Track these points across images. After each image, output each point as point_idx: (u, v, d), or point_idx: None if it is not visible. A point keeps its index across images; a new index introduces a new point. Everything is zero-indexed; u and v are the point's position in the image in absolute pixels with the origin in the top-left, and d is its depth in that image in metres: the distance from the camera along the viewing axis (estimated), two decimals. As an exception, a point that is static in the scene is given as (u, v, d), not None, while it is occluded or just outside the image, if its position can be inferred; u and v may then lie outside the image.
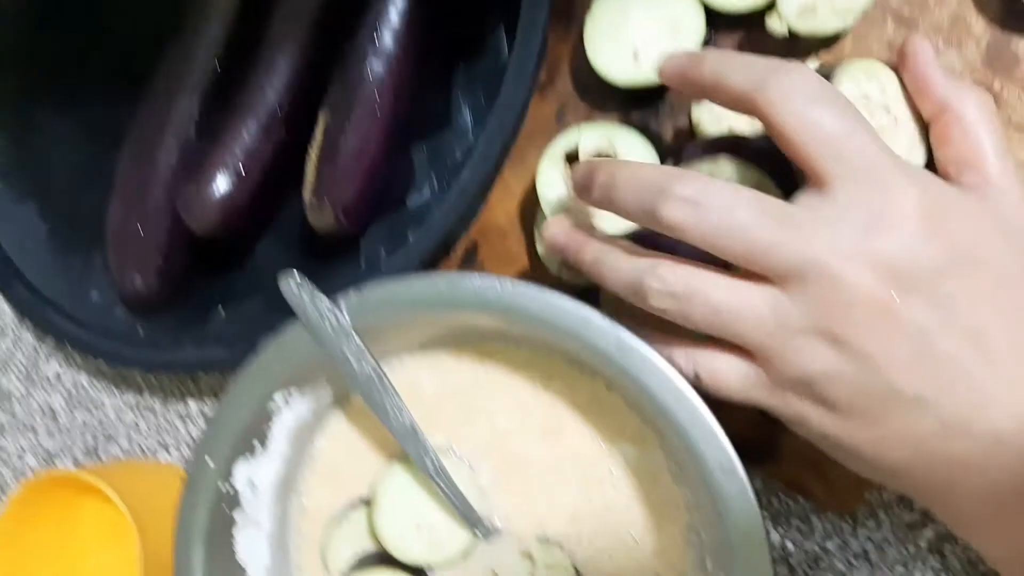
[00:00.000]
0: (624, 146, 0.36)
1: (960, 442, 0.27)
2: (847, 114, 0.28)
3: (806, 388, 0.28)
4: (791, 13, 0.34)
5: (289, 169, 0.41)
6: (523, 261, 0.40)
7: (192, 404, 0.49)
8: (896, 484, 0.30)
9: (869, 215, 0.27)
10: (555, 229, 0.34)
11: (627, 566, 0.37)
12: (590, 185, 0.31)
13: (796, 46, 0.36)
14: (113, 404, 0.50)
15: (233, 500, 0.39)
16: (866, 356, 0.27)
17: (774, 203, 0.28)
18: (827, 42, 0.36)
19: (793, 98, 0.27)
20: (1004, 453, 0.26)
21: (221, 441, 0.37)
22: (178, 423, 0.49)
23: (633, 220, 0.30)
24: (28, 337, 0.53)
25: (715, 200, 0.28)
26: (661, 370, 0.32)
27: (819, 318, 0.27)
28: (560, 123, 0.40)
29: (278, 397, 0.38)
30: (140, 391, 0.50)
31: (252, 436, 0.38)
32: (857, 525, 0.38)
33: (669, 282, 0.29)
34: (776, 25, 0.35)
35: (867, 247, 0.26)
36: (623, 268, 0.30)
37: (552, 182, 0.36)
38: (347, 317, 0.35)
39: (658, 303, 0.29)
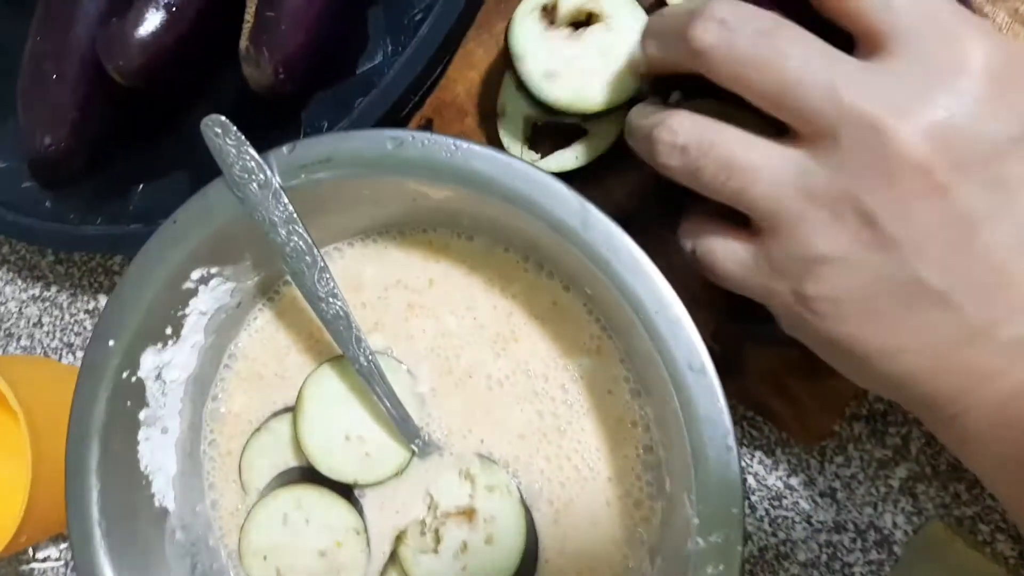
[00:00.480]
0: (610, 3, 0.32)
1: (980, 348, 0.23)
2: None
3: (815, 275, 0.24)
4: None
5: (225, 19, 0.35)
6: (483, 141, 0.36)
7: (103, 300, 0.44)
8: (896, 394, 0.26)
9: (930, 72, 0.23)
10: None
11: (577, 492, 0.33)
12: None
13: None
14: (14, 296, 0.45)
15: (138, 396, 0.34)
16: (895, 241, 0.23)
17: (821, 43, 0.24)
18: None
19: None
20: None
21: (126, 322, 0.32)
22: (86, 321, 0.44)
23: (671, 47, 0.27)
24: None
25: (752, 22, 0.24)
26: (628, 249, 0.28)
27: (850, 185, 0.23)
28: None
29: (195, 275, 0.33)
30: (47, 284, 0.44)
31: (163, 321, 0.33)
32: (824, 461, 0.35)
33: (679, 134, 0.25)
34: None
35: (924, 109, 0.22)
36: (641, 119, 0.28)
37: (528, 34, 0.32)
38: (277, 175, 0.31)
39: (666, 159, 0.26)
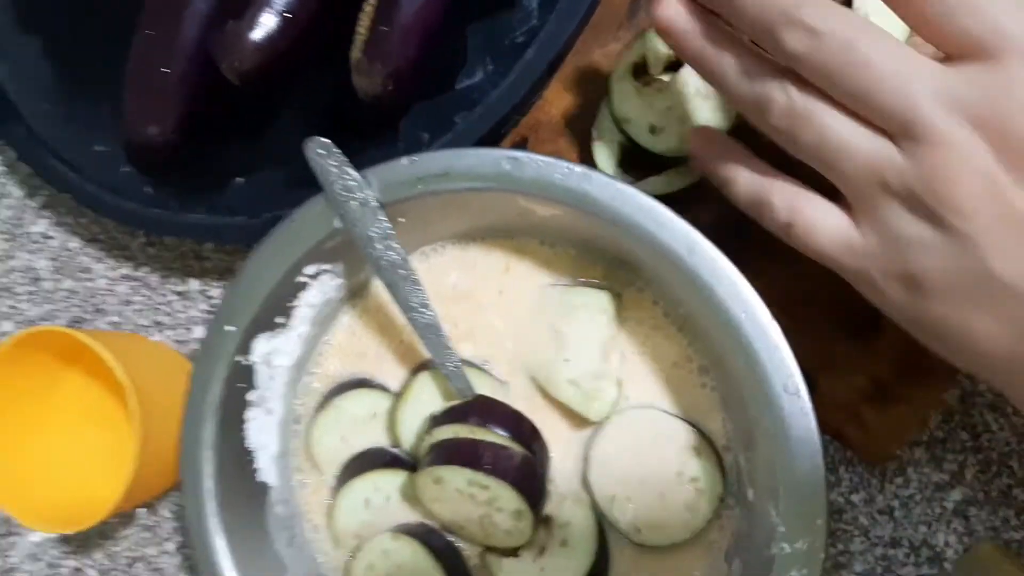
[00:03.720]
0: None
1: None
2: None
3: (897, 255, 0.26)
4: None
5: (334, 24, 0.37)
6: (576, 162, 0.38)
7: (193, 283, 0.46)
8: (990, 378, 0.28)
9: (1003, 79, 0.24)
10: (672, 6, 0.29)
11: (657, 496, 0.35)
12: None
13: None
14: (105, 274, 0.47)
15: (248, 379, 0.36)
16: (965, 236, 0.25)
17: (905, 47, 0.26)
18: None
19: None
20: None
21: (244, 310, 0.34)
22: (175, 301, 0.46)
23: (748, 35, 0.28)
24: (15, 190, 0.49)
25: (840, 29, 0.26)
26: (730, 276, 0.30)
27: (921, 181, 0.25)
28: (632, 14, 0.38)
29: (309, 270, 0.35)
30: (137, 263, 0.46)
31: (276, 311, 0.35)
32: (885, 481, 0.37)
33: (795, 99, 0.27)
34: None
35: (989, 109, 0.24)
36: (752, 73, 0.28)
37: (626, 97, 0.34)
38: (377, 193, 0.32)
39: (777, 120, 0.27)
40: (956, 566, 0.36)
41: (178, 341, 0.46)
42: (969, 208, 0.25)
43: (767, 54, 0.28)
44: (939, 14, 0.25)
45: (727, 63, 0.28)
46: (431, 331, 0.35)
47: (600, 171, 0.31)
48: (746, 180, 0.30)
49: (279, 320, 0.36)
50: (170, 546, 0.45)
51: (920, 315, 0.27)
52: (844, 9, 0.26)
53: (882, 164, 0.26)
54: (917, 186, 0.25)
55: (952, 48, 0.26)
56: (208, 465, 0.35)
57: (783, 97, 0.27)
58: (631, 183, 0.36)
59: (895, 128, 0.26)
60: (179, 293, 0.46)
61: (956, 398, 0.37)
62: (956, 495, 0.37)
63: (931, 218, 0.25)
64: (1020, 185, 0.24)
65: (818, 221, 0.28)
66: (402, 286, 0.34)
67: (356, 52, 0.36)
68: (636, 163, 0.37)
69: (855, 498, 0.37)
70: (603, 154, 0.37)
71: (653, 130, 0.35)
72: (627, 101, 0.36)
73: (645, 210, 0.30)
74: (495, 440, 0.33)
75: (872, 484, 0.37)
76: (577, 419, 0.36)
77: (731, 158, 0.31)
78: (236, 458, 0.36)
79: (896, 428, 0.35)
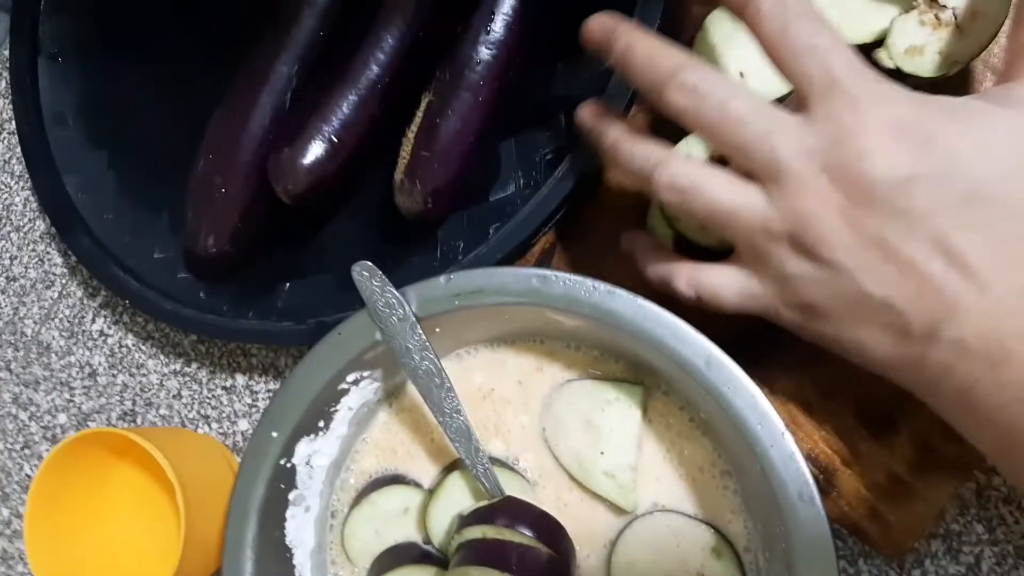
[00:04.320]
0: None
1: (933, 347, 0.27)
2: (822, 32, 0.29)
3: (790, 290, 0.30)
4: (898, 52, 0.35)
5: (376, 148, 0.41)
6: (601, 266, 0.40)
7: (239, 378, 0.48)
8: (895, 379, 0.30)
9: (838, 129, 0.28)
10: (587, 109, 0.36)
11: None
12: (609, 45, 0.33)
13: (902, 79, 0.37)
14: (157, 369, 0.50)
15: (290, 479, 0.38)
16: (833, 263, 0.28)
17: (767, 105, 0.30)
18: (932, 81, 0.37)
19: (776, 16, 0.29)
20: (969, 360, 0.27)
21: (289, 417, 0.37)
22: (223, 396, 0.49)
23: (641, 92, 0.32)
24: (76, 291, 0.52)
25: (715, 92, 0.30)
26: (747, 389, 0.32)
27: (792, 223, 0.29)
28: (655, 132, 0.40)
29: (351, 378, 0.37)
30: (188, 360, 0.49)
31: (318, 416, 0.38)
32: (903, 573, 0.38)
33: (677, 177, 0.31)
34: (885, 60, 0.36)
35: (831, 156, 0.28)
36: (637, 155, 0.33)
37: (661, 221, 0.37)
38: (413, 310, 0.35)
39: (666, 195, 0.31)
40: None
41: (222, 433, 0.48)
42: (834, 240, 0.28)
43: (660, 141, 0.33)
44: (783, 58, 0.29)
45: (626, 149, 0.33)
46: (462, 435, 0.37)
47: (625, 289, 0.34)
48: (653, 271, 0.35)
49: (320, 424, 0.38)
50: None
51: (820, 334, 0.31)
52: (719, 74, 0.30)
53: (762, 216, 0.30)
54: (791, 228, 0.29)
55: (801, 90, 0.29)
56: (249, 563, 0.37)
57: (667, 176, 0.31)
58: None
59: (766, 177, 0.29)
60: (226, 388, 0.49)
61: (972, 492, 0.38)
62: (974, 590, 0.38)
63: (808, 254, 0.29)
64: (869, 215, 0.28)
65: (719, 286, 0.32)
66: (436, 393, 0.36)
67: (399, 174, 0.40)
68: (688, 253, 0.38)
69: (876, 593, 0.38)
70: None
71: (702, 230, 0.37)
72: (666, 224, 0.38)
73: (665, 325, 0.33)
74: (522, 541, 0.35)
75: (891, 578, 0.38)
76: (606, 513, 0.38)
77: (644, 254, 0.36)
78: (275, 554, 0.38)
79: (913, 523, 0.36)
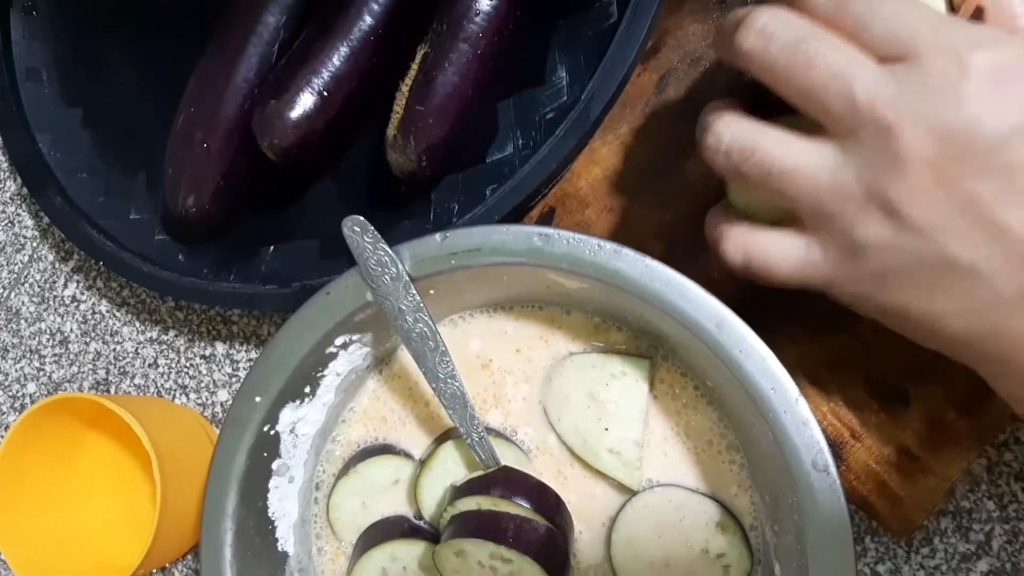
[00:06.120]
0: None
1: (1014, 316, 0.26)
2: None
3: (860, 258, 0.27)
4: None
5: (368, 103, 0.39)
6: (601, 233, 0.39)
7: (219, 347, 0.46)
8: (957, 355, 0.29)
9: (930, 75, 0.26)
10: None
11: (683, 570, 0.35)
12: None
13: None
14: (132, 337, 0.48)
15: (273, 448, 0.36)
16: (919, 225, 0.26)
17: (846, 47, 0.27)
18: None
19: None
20: None
21: (273, 381, 0.35)
22: (201, 365, 0.46)
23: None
24: (48, 254, 0.50)
25: (787, 32, 0.27)
26: (759, 352, 0.30)
27: (869, 180, 0.26)
28: (660, 92, 0.39)
29: (339, 341, 0.35)
30: (165, 327, 0.47)
31: (304, 381, 0.36)
32: (911, 552, 0.37)
33: (724, 139, 0.29)
34: None
35: (921, 104, 0.25)
36: (716, 125, 0.30)
37: (741, 190, 0.33)
38: (408, 268, 0.33)
39: (712, 161, 0.29)
40: (987, 643, 0.36)
41: (200, 404, 0.46)
42: (920, 198, 0.26)
43: (719, 104, 0.30)
44: (860, 25, 0.27)
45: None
46: (457, 401, 0.35)
47: (630, 248, 0.32)
48: (707, 227, 0.32)
49: (306, 390, 0.36)
50: (186, 614, 0.45)
51: (885, 307, 0.28)
52: (794, 15, 0.28)
53: (831, 173, 0.27)
54: (868, 185, 0.26)
55: (880, 52, 0.27)
56: (228, 534, 0.35)
57: (712, 139, 0.29)
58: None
59: (840, 128, 0.27)
60: (205, 357, 0.46)
61: (983, 467, 0.37)
62: (983, 566, 0.36)
63: (886, 214, 0.26)
64: (964, 172, 0.25)
65: (773, 254, 0.30)
66: (431, 357, 0.35)
67: (391, 129, 0.37)
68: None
69: (881, 568, 0.37)
70: None
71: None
72: (745, 194, 0.36)
73: (673, 285, 0.31)
74: (518, 512, 0.33)
75: (898, 555, 0.37)
76: (607, 490, 0.36)
77: (711, 214, 0.33)
78: (257, 526, 0.36)
79: (923, 498, 0.35)
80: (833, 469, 0.29)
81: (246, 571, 0.35)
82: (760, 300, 0.33)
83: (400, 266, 0.33)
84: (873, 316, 0.29)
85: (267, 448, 0.36)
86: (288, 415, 0.36)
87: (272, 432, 0.36)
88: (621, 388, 0.36)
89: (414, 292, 0.34)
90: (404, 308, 0.34)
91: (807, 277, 0.29)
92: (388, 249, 0.33)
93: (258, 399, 0.35)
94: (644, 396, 0.36)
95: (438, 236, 0.33)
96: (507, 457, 0.36)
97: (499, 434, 0.37)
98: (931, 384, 0.35)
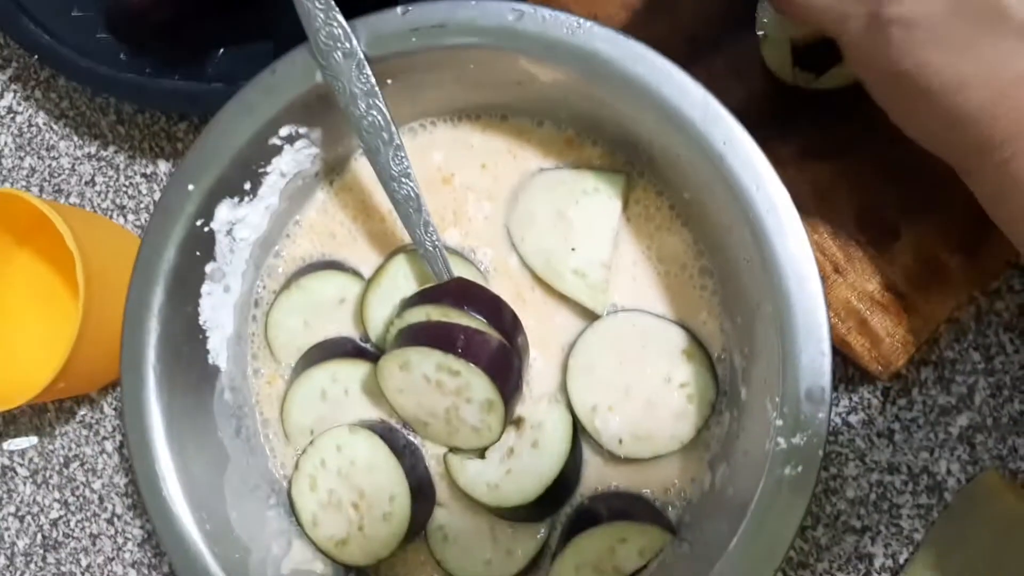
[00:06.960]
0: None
1: None
2: None
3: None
4: None
5: None
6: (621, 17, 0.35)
7: (162, 165, 0.43)
8: (949, 135, 0.26)
9: None
10: None
11: (645, 400, 0.32)
12: None
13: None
14: (70, 152, 0.44)
15: (207, 247, 0.33)
16: None
17: None
18: None
19: None
20: None
21: (209, 168, 0.32)
22: (142, 184, 0.43)
23: None
24: (-19, 61, 0.46)
25: None
26: (745, 145, 0.27)
27: None
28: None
29: (284, 132, 0.32)
30: (105, 142, 0.43)
31: (244, 175, 0.33)
32: (887, 402, 0.35)
33: None
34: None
35: None
36: None
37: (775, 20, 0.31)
38: (363, 45, 0.30)
39: None
40: (957, 496, 0.34)
41: (139, 226, 0.43)
42: None
43: None
44: None
45: None
46: (410, 204, 0.32)
47: (613, 29, 0.28)
48: None
49: (246, 186, 0.33)
50: (109, 446, 0.42)
51: (908, 70, 0.25)
52: None
53: None
54: None
55: None
56: (153, 335, 0.32)
57: None
58: (812, 80, 0.33)
59: None
60: (146, 175, 0.43)
61: (971, 316, 0.34)
62: (963, 420, 0.34)
63: None
64: None
65: None
66: (384, 152, 0.31)
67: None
68: (810, 58, 0.33)
69: (853, 419, 0.35)
70: (773, 54, 0.33)
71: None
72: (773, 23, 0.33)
73: (659, 70, 0.28)
74: (470, 323, 0.31)
75: (872, 405, 0.35)
76: (569, 315, 0.34)
77: None
78: (186, 333, 0.33)
79: (905, 339, 0.32)
80: (815, 277, 0.27)
81: (169, 379, 0.32)
82: (750, 114, 0.30)
83: (354, 41, 0.30)
84: (886, 91, 0.27)
85: (200, 246, 0.33)
86: (225, 212, 0.33)
87: (206, 229, 0.33)
88: (592, 205, 0.33)
89: (368, 73, 0.30)
90: (356, 92, 0.30)
91: (840, 12, 0.26)
92: (341, 19, 0.30)
93: (191, 187, 0.32)
94: (616, 214, 0.33)
95: (399, 9, 0.30)
96: (462, 273, 0.33)
97: (456, 252, 0.34)
98: (926, 219, 0.33)
